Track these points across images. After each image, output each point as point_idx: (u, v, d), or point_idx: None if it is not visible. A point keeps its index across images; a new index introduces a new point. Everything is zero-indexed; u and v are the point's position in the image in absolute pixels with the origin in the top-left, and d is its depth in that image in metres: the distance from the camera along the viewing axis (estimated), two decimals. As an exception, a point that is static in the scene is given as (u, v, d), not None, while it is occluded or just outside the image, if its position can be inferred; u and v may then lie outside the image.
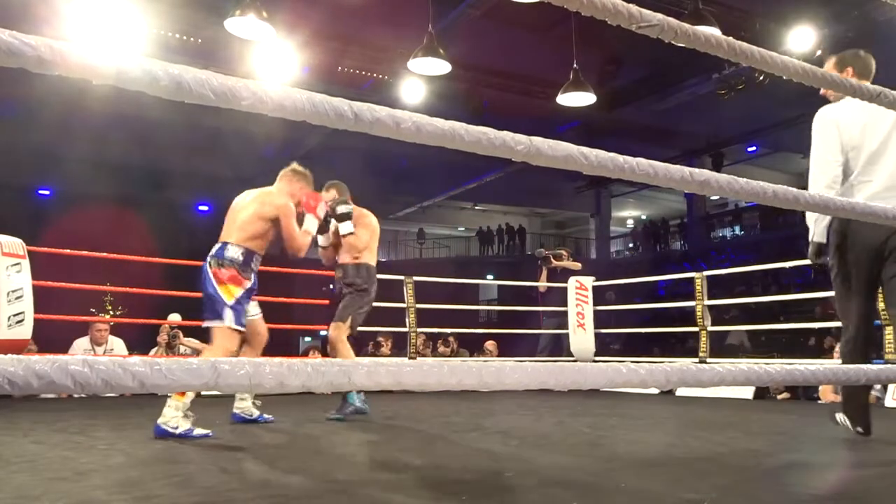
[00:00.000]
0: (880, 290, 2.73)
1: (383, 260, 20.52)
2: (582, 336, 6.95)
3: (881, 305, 3.07)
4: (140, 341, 6.82)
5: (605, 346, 9.29)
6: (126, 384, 0.72)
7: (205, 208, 17.63)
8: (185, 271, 5.22)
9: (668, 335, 11.31)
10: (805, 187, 2.92)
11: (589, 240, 23.03)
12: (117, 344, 5.65)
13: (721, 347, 9.71)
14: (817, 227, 2.70)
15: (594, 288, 7.10)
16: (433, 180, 17.87)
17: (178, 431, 2.82)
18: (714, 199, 19.62)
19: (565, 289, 7.09)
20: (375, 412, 3.84)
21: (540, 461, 2.41)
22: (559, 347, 7.20)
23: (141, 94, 0.91)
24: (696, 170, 1.36)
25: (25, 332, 4.32)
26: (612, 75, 12.36)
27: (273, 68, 8.05)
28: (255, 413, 3.49)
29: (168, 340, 5.88)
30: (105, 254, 5.52)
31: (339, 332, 3.70)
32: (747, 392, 5.40)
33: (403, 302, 6.48)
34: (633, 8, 1.29)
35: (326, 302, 6.03)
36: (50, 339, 5.40)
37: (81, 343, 5.48)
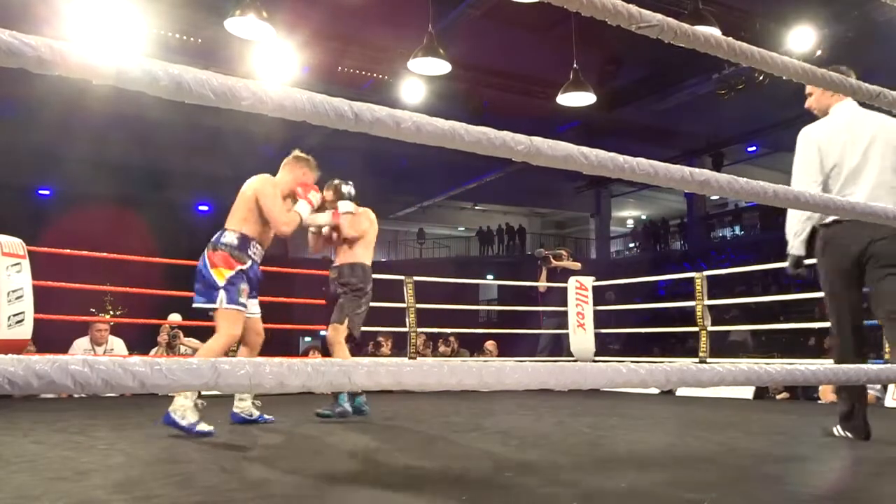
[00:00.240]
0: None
1: (383, 260, 20.54)
2: (582, 336, 6.95)
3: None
4: (140, 341, 6.82)
5: (604, 346, 9.29)
6: (126, 384, 0.72)
7: (205, 208, 17.63)
8: (186, 271, 5.18)
9: (668, 335, 11.31)
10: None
11: (589, 240, 23.02)
12: (117, 344, 5.65)
13: (724, 344, 9.72)
14: (795, 240, 2.82)
15: (594, 288, 7.10)
16: (433, 180, 17.87)
17: (183, 423, 2.84)
18: (714, 199, 19.62)
19: (565, 289, 7.09)
20: (375, 412, 3.84)
21: (540, 461, 2.41)
22: (559, 347, 7.20)
23: (141, 94, 0.91)
24: (696, 170, 1.36)
25: (25, 332, 4.32)
26: (612, 75, 12.36)
27: (273, 68, 8.05)
28: (256, 413, 3.49)
29: (168, 340, 5.88)
30: (105, 254, 5.52)
31: (336, 334, 3.69)
32: (747, 392, 5.39)
33: (403, 302, 6.48)
34: (633, 8, 1.29)
35: (324, 302, 6.03)
36: (50, 339, 5.39)
37: (81, 343, 5.48)
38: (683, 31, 1.36)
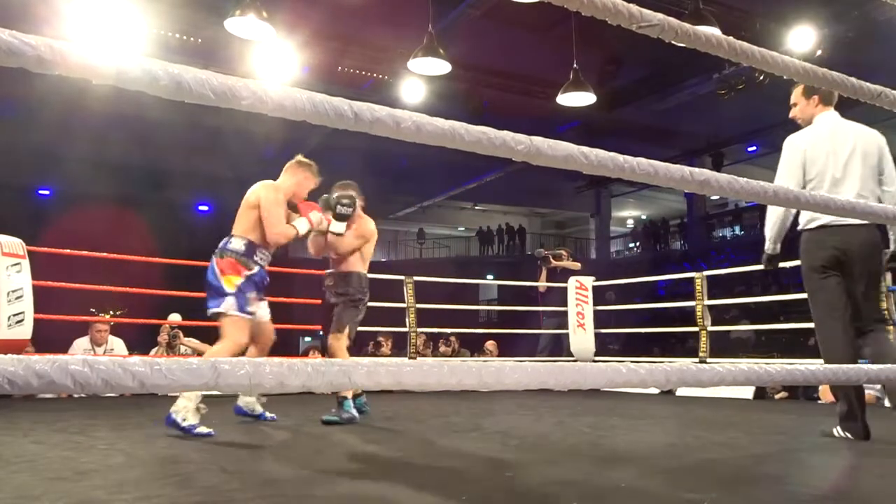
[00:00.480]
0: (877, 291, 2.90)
1: (383, 260, 20.53)
2: (582, 336, 6.95)
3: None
4: (140, 341, 6.82)
5: (604, 346, 9.28)
6: (126, 384, 0.72)
7: (205, 208, 17.63)
8: (185, 271, 5.21)
9: (668, 335, 11.30)
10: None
11: (589, 240, 23.02)
12: (117, 344, 5.65)
13: (727, 342, 9.71)
14: (770, 241, 3.02)
15: (594, 288, 7.10)
16: (433, 180, 17.86)
17: (184, 424, 2.86)
18: (714, 199, 19.62)
19: (565, 289, 7.09)
20: (375, 412, 3.84)
21: (540, 461, 2.41)
22: (559, 347, 7.20)
23: (141, 94, 0.91)
24: (696, 170, 1.36)
25: (25, 332, 4.32)
26: (612, 75, 12.36)
27: (273, 68, 8.05)
28: (259, 409, 3.49)
29: (168, 340, 5.88)
30: (105, 254, 5.52)
31: (339, 342, 3.64)
32: (747, 392, 5.39)
33: (403, 302, 6.48)
34: (634, 8, 1.29)
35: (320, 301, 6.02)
36: (50, 339, 5.39)
37: (81, 343, 5.48)
38: (684, 30, 1.36)
